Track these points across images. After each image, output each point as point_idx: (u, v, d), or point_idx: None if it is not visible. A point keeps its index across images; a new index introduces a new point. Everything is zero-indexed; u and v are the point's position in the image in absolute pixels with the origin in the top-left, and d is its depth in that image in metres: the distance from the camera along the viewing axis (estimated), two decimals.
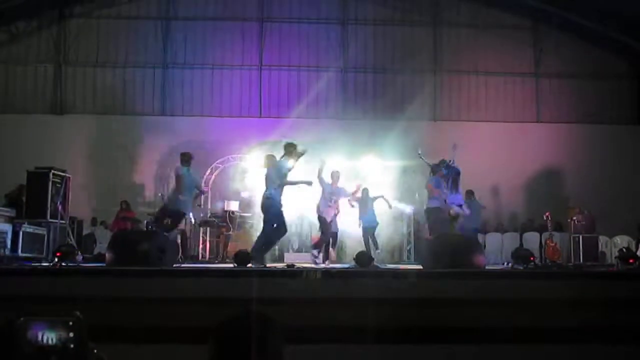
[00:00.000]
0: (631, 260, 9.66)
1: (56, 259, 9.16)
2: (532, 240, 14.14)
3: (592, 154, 15.99)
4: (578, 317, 6.18)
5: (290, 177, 9.10)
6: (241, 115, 16.58)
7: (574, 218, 13.43)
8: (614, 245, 13.55)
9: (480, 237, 11.17)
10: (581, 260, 12.35)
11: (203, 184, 14.74)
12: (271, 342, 1.83)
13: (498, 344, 6.03)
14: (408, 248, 13.94)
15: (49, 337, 1.65)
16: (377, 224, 11.53)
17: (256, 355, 1.76)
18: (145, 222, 13.24)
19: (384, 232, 12.68)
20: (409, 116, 15.71)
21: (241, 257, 9.51)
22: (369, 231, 11.34)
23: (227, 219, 12.91)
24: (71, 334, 1.67)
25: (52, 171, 10.68)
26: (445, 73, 16.95)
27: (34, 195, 10.55)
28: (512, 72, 16.98)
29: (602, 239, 13.66)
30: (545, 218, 12.51)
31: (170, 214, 9.62)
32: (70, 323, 1.68)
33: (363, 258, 9.51)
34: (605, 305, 6.33)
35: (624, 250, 10.99)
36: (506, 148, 15.79)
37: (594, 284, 7.21)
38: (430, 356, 5.86)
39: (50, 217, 10.54)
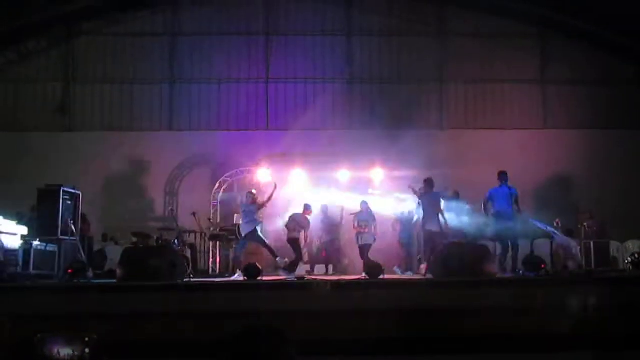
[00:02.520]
0: None
1: (68, 276, 9.21)
2: (543, 247, 14.02)
3: (600, 159, 15.90)
4: (591, 323, 6.14)
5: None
6: (248, 129, 16.62)
7: (585, 224, 13.34)
8: (625, 250, 13.41)
9: (490, 245, 11.09)
10: (593, 266, 12.26)
11: (212, 198, 14.80)
12: (283, 355, 1.84)
13: (511, 353, 6.00)
14: (419, 257, 13.87)
15: (66, 353, 1.68)
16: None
17: None
18: (155, 237, 13.28)
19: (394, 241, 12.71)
20: (416, 126, 15.70)
21: (251, 271, 9.54)
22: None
23: (237, 232, 12.92)
24: (87, 350, 1.70)
25: (63, 188, 10.75)
26: (451, 82, 16.95)
27: (44, 213, 10.60)
28: (519, 80, 16.94)
29: (614, 244, 13.53)
30: (555, 224, 12.43)
31: None
32: (87, 339, 1.71)
33: (374, 269, 9.52)
34: (618, 311, 6.30)
35: (637, 255, 10.91)
36: (514, 155, 15.68)
37: (606, 290, 7.17)
38: None
39: (61, 234, 10.59)
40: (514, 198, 10.91)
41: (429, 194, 11.17)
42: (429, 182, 11.25)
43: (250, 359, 1.81)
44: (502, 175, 11.03)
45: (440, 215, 11.02)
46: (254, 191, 12.08)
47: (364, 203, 12.43)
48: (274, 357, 1.83)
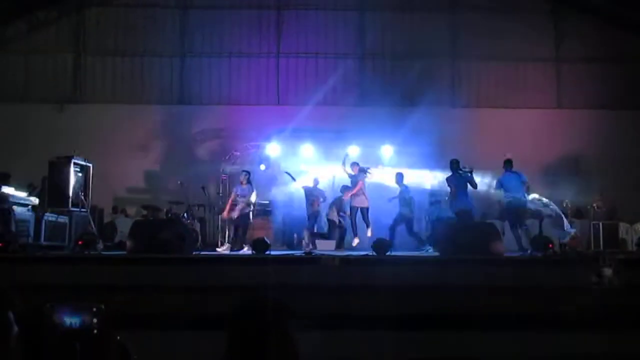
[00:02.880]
0: None
1: (78, 248, 9.33)
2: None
3: (613, 140, 15.70)
4: (596, 303, 6.16)
5: None
6: (259, 104, 16.57)
7: (594, 205, 13.28)
8: (634, 232, 13.35)
9: (498, 224, 11.09)
10: (601, 247, 12.24)
11: (221, 172, 14.83)
12: (284, 327, 1.86)
13: (517, 331, 6.03)
14: (427, 235, 13.90)
15: (74, 322, 1.71)
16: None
17: (270, 340, 1.80)
18: (165, 210, 13.37)
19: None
20: (427, 103, 15.54)
21: (259, 245, 9.62)
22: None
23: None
24: (95, 320, 1.73)
25: (73, 160, 10.82)
26: (463, 59, 16.74)
27: (55, 185, 10.70)
28: (532, 57, 16.69)
29: (623, 226, 13.46)
30: (564, 205, 12.39)
31: None
32: (95, 309, 1.74)
33: (381, 245, 9.55)
34: (626, 291, 6.30)
35: None
36: (526, 135, 15.57)
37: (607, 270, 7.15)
38: (447, 343, 5.88)
39: (72, 206, 10.68)
40: (525, 185, 10.99)
41: (455, 175, 11.14)
42: (455, 163, 11.18)
43: (255, 332, 1.83)
44: (508, 163, 11.11)
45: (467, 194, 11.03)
46: (248, 170, 12.14)
47: (354, 164, 12.21)
48: (278, 330, 1.85)
